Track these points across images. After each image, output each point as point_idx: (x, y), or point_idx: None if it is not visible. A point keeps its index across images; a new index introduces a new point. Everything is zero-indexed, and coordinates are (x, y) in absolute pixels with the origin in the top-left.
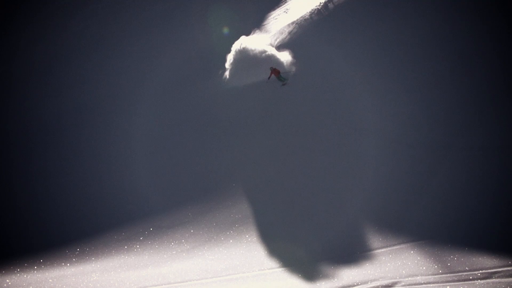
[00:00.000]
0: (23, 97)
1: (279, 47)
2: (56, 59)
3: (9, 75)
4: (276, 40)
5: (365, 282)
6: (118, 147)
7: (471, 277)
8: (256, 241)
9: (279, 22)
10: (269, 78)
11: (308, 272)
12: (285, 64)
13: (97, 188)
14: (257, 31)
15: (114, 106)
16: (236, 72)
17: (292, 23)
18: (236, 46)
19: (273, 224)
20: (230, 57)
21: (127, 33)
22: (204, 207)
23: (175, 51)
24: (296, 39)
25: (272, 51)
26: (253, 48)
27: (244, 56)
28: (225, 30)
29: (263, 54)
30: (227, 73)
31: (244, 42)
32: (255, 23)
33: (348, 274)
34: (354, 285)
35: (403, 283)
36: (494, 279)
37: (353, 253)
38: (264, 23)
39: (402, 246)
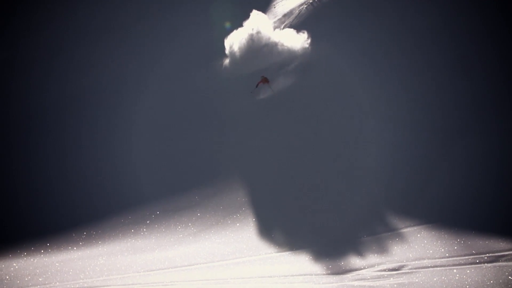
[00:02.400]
0: (28, 82)
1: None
2: (62, 44)
3: (13, 60)
4: (283, 24)
5: (372, 266)
6: (125, 131)
7: (477, 261)
8: (263, 225)
9: (283, 6)
10: (257, 86)
11: (315, 255)
12: (296, 50)
13: (104, 172)
14: (268, 13)
15: (121, 90)
16: (243, 57)
17: (298, 6)
18: (250, 27)
19: (280, 207)
20: (239, 39)
21: (131, 23)
22: (211, 191)
23: (178, 42)
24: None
25: (285, 41)
26: (267, 34)
27: (257, 41)
28: (227, 24)
29: (277, 43)
30: (228, 60)
31: (259, 25)
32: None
33: (355, 257)
34: (361, 269)
35: (409, 267)
36: (501, 263)
37: (359, 237)
38: (267, 8)
39: (409, 229)
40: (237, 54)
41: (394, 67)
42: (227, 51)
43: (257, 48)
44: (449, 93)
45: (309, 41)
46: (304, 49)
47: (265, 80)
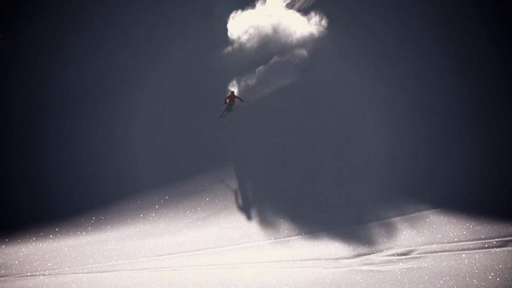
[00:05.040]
0: (32, 68)
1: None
2: (66, 34)
3: (18, 47)
4: (293, 7)
5: (381, 250)
6: (134, 118)
7: (486, 245)
8: (271, 209)
9: None
10: (225, 101)
11: (324, 240)
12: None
13: (112, 157)
14: None
15: (129, 78)
16: (252, 43)
17: None
18: (263, 11)
19: (289, 193)
20: (250, 24)
21: (134, 16)
22: (220, 175)
23: (180, 36)
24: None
25: (298, 25)
26: (279, 18)
27: (269, 26)
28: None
29: (289, 27)
30: (233, 47)
31: (272, 8)
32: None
33: (364, 242)
34: (370, 253)
35: (418, 251)
36: (509, 247)
37: (369, 221)
38: None
39: (418, 214)
40: (246, 40)
41: (394, 58)
42: (232, 38)
43: (269, 33)
44: (461, 78)
45: (324, 23)
46: (317, 33)
47: (232, 98)
